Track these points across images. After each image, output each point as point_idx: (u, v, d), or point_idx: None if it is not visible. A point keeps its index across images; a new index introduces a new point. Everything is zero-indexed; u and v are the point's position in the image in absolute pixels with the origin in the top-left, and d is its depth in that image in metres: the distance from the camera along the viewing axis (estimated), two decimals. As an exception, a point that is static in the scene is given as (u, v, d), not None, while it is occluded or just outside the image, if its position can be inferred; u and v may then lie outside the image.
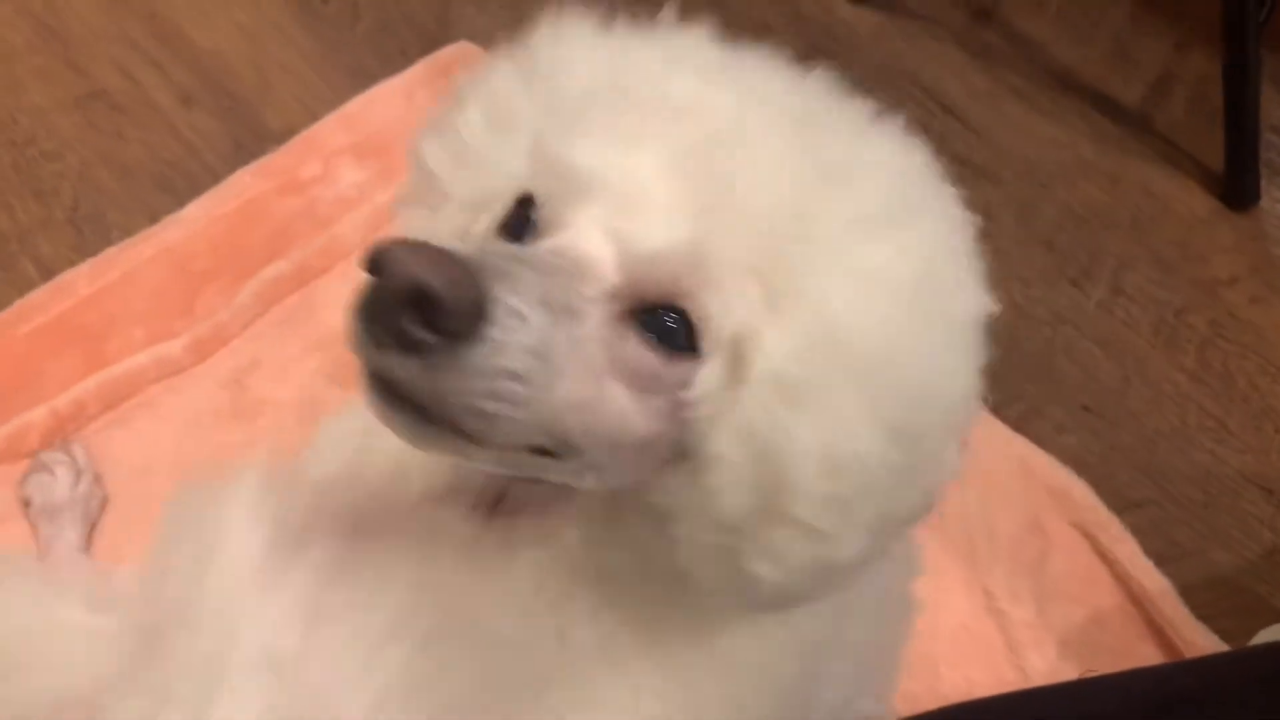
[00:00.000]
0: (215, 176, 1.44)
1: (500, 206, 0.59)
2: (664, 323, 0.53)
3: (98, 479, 1.17)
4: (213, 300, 1.32)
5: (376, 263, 0.45)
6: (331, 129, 1.48)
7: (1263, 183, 1.56)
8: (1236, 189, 1.56)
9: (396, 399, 0.49)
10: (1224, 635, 1.20)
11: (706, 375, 0.53)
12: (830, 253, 0.53)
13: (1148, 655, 1.20)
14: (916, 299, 0.54)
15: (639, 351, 0.53)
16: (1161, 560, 1.24)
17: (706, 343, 0.53)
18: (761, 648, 0.65)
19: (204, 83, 1.53)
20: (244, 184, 1.41)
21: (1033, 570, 1.24)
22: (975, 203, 1.55)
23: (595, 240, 0.53)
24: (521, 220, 0.57)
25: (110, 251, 1.34)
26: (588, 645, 0.62)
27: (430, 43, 1.59)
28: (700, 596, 0.60)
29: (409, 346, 0.46)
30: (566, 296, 0.50)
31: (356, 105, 1.51)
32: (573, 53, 0.61)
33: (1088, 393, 1.38)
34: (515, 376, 0.48)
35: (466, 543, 0.63)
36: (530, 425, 0.50)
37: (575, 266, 0.51)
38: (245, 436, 1.22)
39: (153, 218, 1.39)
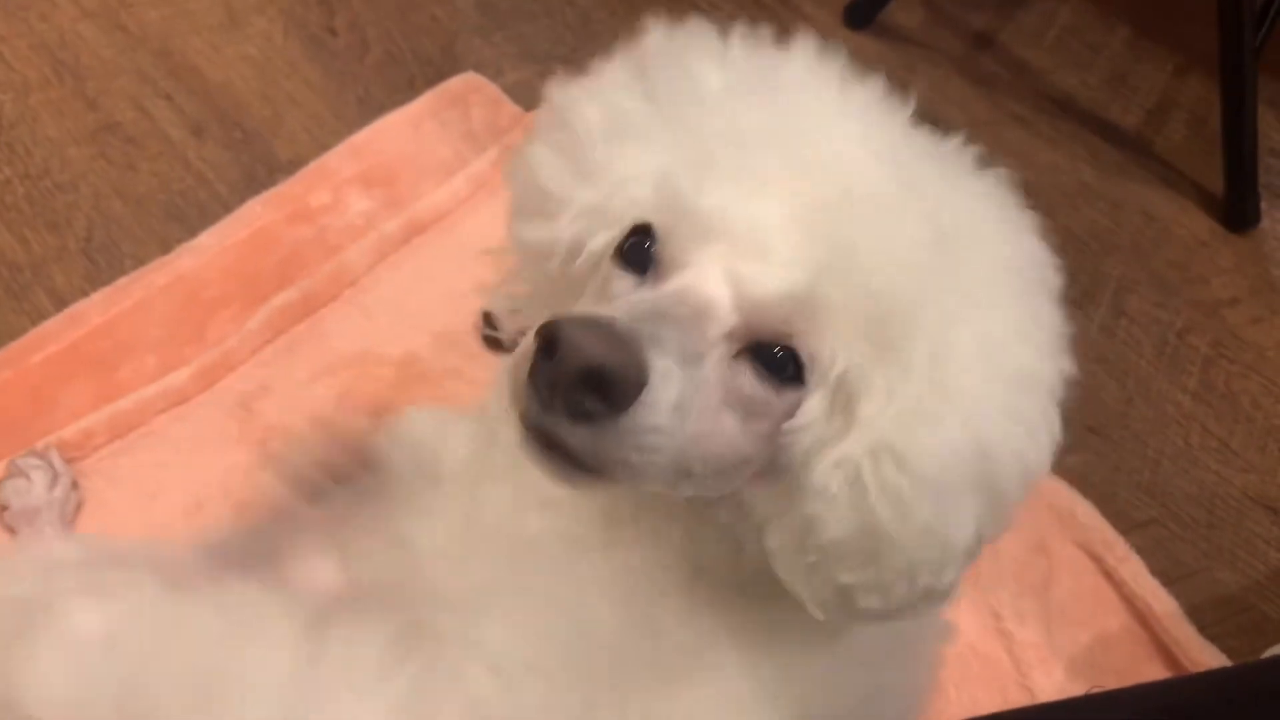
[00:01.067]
0: (226, 206, 1.46)
1: (619, 229, 0.61)
2: (773, 355, 0.57)
3: (75, 484, 1.19)
4: (224, 327, 1.33)
5: (550, 340, 0.51)
6: (340, 159, 1.50)
7: (1263, 204, 1.58)
8: (1236, 211, 1.57)
9: (554, 452, 0.54)
10: (1231, 654, 1.20)
11: (811, 407, 0.57)
12: (940, 319, 0.56)
13: (1155, 675, 1.20)
14: (1016, 370, 0.58)
15: (751, 384, 0.57)
16: (1167, 580, 1.24)
17: (813, 377, 0.57)
18: (835, 661, 0.69)
19: (215, 115, 1.55)
20: (254, 213, 1.43)
21: (1038, 591, 1.24)
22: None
23: (716, 282, 0.56)
24: (639, 249, 0.60)
25: (123, 281, 1.36)
26: (680, 644, 0.65)
27: (437, 74, 1.62)
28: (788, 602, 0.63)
29: (579, 416, 0.51)
30: (693, 343, 0.55)
31: (365, 135, 1.53)
32: (700, 70, 0.63)
33: (1091, 414, 1.39)
34: (660, 430, 0.53)
35: (572, 537, 0.67)
36: (666, 466, 0.55)
37: (698, 311, 0.55)
38: (253, 461, 1.23)
39: (165, 247, 1.41)
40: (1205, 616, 1.23)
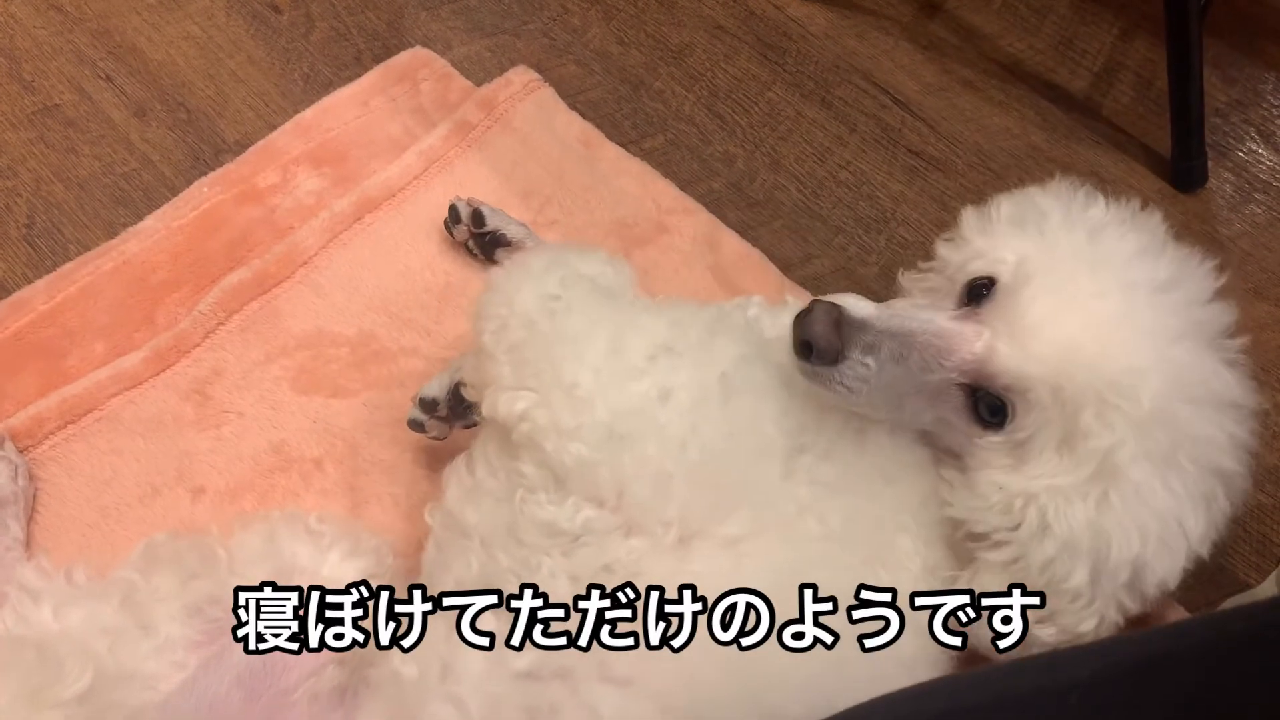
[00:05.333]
0: (172, 189, 1.43)
1: (984, 270, 0.90)
2: (990, 398, 0.85)
3: (31, 476, 1.17)
4: (174, 311, 1.31)
5: (808, 310, 0.85)
6: (288, 137, 1.47)
7: (1210, 164, 1.59)
8: (1184, 172, 1.59)
9: (804, 374, 0.87)
10: (1189, 607, 1.21)
11: (991, 441, 0.86)
12: (1122, 456, 0.80)
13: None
14: (1159, 520, 0.81)
15: (955, 405, 0.87)
16: (1125, 536, 1.26)
17: (1006, 428, 0.84)
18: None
19: (157, 95, 1.52)
20: (202, 195, 1.40)
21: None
22: (931, 193, 1.60)
23: (972, 342, 0.84)
24: (979, 287, 0.89)
25: (67, 267, 1.33)
26: (799, 474, 0.88)
27: (384, 49, 1.60)
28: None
29: (805, 356, 0.86)
30: (926, 360, 0.85)
31: (312, 113, 1.50)
32: (1063, 213, 0.91)
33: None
34: (846, 389, 0.85)
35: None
36: (858, 404, 0.87)
37: (945, 349, 0.85)
38: (210, 445, 1.21)
39: (110, 232, 1.38)
40: (1163, 570, 1.24)
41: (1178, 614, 1.21)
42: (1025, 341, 0.82)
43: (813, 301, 0.85)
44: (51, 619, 0.96)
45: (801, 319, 0.85)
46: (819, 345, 0.84)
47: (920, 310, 0.88)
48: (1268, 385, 1.40)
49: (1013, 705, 0.66)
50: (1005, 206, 0.96)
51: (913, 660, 0.86)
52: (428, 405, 1.15)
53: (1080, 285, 0.83)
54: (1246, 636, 0.67)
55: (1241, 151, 1.64)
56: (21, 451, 1.18)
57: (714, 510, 0.84)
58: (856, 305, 0.86)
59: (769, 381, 0.90)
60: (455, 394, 1.13)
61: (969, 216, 1.00)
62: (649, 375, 0.87)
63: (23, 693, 0.87)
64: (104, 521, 1.16)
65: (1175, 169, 1.60)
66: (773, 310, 1.06)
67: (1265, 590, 1.21)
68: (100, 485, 1.18)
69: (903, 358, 0.84)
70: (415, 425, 1.17)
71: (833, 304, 0.85)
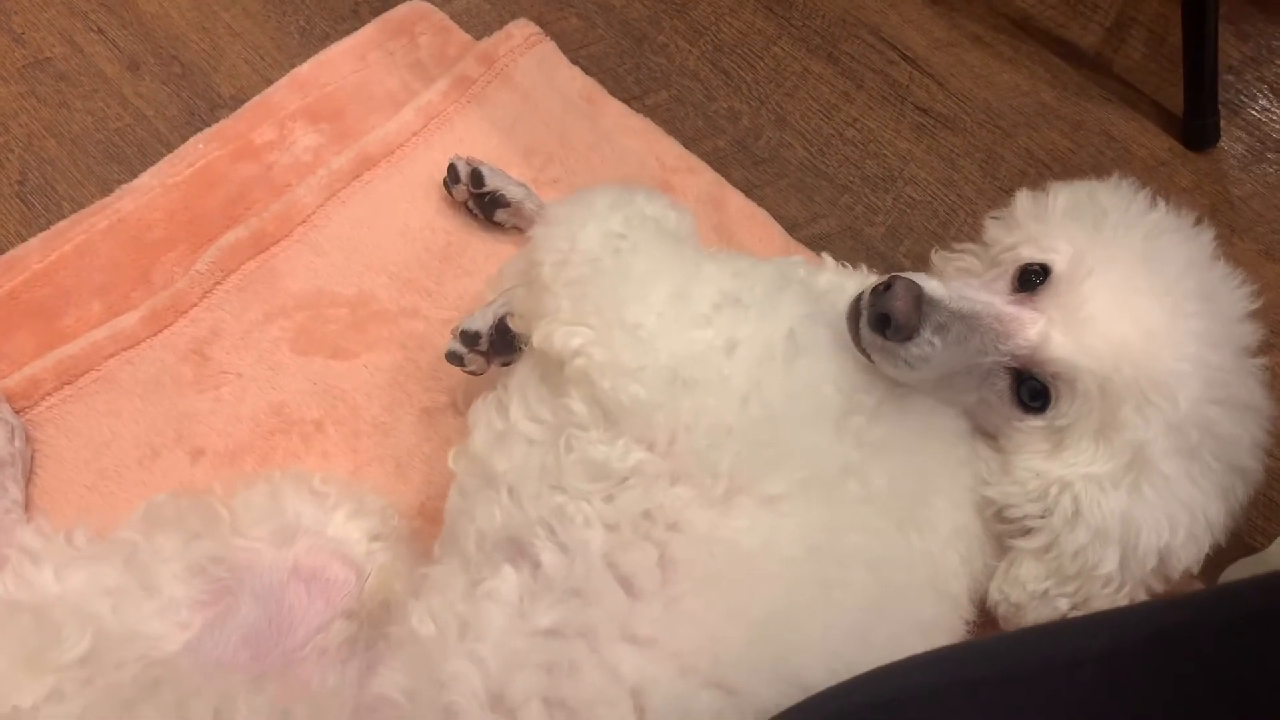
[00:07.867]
0: (167, 145, 1.40)
1: (1036, 257, 0.92)
2: (1034, 384, 0.88)
3: (28, 437, 1.15)
4: (170, 269, 1.29)
5: (889, 284, 0.85)
6: (284, 92, 1.44)
7: (1222, 123, 1.57)
8: (1196, 130, 1.56)
9: (870, 346, 0.88)
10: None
11: (1030, 424, 0.90)
12: (1156, 450, 0.85)
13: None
14: (1188, 509, 0.86)
15: (1000, 387, 0.89)
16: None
17: (1048, 414, 0.88)
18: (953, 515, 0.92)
19: (151, 49, 1.49)
20: (197, 151, 1.38)
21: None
22: (939, 151, 1.57)
23: (1030, 327, 0.86)
24: (1032, 272, 0.91)
25: (62, 224, 1.31)
26: (849, 435, 0.88)
27: (382, 2, 1.56)
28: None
29: (876, 330, 0.86)
30: (985, 343, 0.86)
31: (309, 68, 1.47)
32: (1123, 213, 0.94)
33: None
34: (909, 364, 0.86)
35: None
36: (915, 379, 0.88)
37: (1004, 332, 0.86)
38: (209, 406, 1.20)
39: (104, 188, 1.36)
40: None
41: (1190, 583, 1.20)
42: (1080, 333, 0.85)
43: (892, 277, 0.86)
44: (53, 581, 0.95)
45: (881, 293, 0.85)
46: (898, 321, 0.84)
47: (977, 291, 0.90)
48: (1278, 348, 1.39)
49: (1023, 678, 0.65)
50: (1062, 196, 0.99)
51: (931, 626, 0.87)
52: (469, 338, 1.12)
53: (1136, 285, 0.86)
54: (1263, 610, 0.66)
55: (1254, 110, 1.62)
56: (18, 413, 1.16)
57: (764, 467, 0.84)
58: (930, 284, 0.86)
59: (830, 342, 0.91)
60: (499, 328, 1.10)
61: (1023, 200, 1.02)
62: (714, 324, 0.87)
63: (20, 657, 0.87)
64: (103, 483, 1.15)
65: (1187, 127, 1.57)
66: (814, 271, 1.05)
67: (1273, 553, 1.20)
68: (99, 447, 1.17)
69: (965, 339, 0.86)
70: (454, 358, 1.14)
71: (912, 281, 0.85)
